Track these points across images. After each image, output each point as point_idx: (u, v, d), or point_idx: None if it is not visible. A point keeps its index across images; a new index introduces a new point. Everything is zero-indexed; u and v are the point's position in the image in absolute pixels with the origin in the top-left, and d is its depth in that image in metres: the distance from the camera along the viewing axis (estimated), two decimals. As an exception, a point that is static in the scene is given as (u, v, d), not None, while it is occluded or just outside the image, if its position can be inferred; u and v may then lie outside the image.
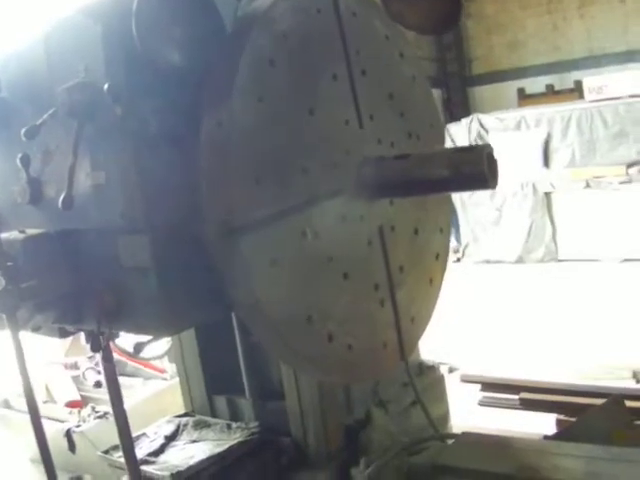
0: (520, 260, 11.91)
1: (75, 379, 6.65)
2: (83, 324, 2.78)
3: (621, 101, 10.88)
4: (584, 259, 11.15)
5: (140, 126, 2.38)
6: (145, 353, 4.87)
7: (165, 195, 2.42)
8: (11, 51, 2.86)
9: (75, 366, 6.76)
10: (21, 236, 2.64)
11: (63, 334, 3.05)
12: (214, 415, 3.83)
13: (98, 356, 6.81)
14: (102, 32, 2.40)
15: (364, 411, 3.67)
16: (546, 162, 11.47)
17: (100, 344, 2.68)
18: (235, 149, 2.37)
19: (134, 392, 6.07)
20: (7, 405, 6.47)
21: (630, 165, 10.69)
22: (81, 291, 2.65)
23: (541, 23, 15.28)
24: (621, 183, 10.75)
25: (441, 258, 3.35)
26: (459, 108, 15.69)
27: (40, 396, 5.99)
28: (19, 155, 2.63)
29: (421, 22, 3.00)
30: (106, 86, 2.31)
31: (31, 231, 2.69)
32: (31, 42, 2.74)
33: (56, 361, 6.82)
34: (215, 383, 3.84)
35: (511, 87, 15.57)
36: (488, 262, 12.18)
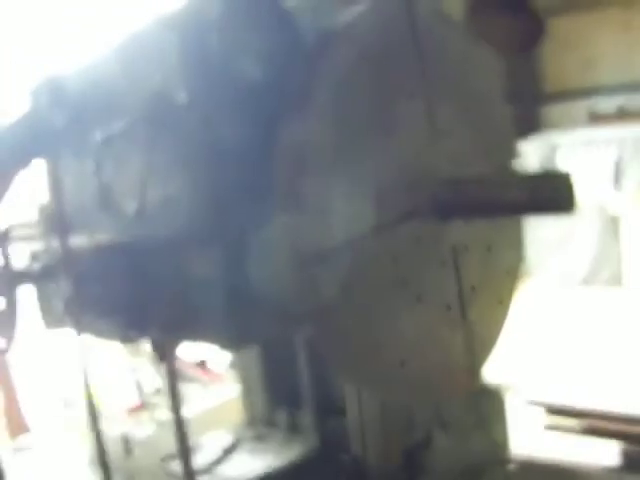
0: (585, 282, 11.69)
1: (136, 383, 6.70)
2: (147, 332, 2.78)
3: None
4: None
5: (215, 137, 2.35)
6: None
7: (237, 208, 2.37)
8: (88, 61, 2.89)
9: (137, 370, 6.81)
10: (90, 242, 2.66)
11: (127, 340, 3.06)
12: (274, 427, 3.79)
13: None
14: (179, 42, 2.37)
15: (425, 432, 3.61)
16: (616, 184, 11.26)
17: (164, 353, 2.68)
18: (310, 177, 2.33)
19: (193, 399, 6.09)
20: (67, 404, 6.55)
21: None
22: (147, 299, 2.64)
23: (616, 41, 14.98)
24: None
25: (512, 275, 3.25)
26: (529, 125, 15.48)
27: (99, 398, 6.04)
28: (91, 161, 2.65)
29: (502, 41, 2.94)
30: (182, 95, 2.30)
31: (100, 237, 2.70)
32: (107, 52, 2.76)
33: (118, 363, 6.88)
34: (276, 395, 3.81)
35: (582, 106, 15.31)
36: (553, 283, 11.97)
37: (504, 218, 3.10)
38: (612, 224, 11.42)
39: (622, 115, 14.23)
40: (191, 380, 6.70)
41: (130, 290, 2.62)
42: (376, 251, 2.51)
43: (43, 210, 3.06)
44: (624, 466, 4.81)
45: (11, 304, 2.64)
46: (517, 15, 2.85)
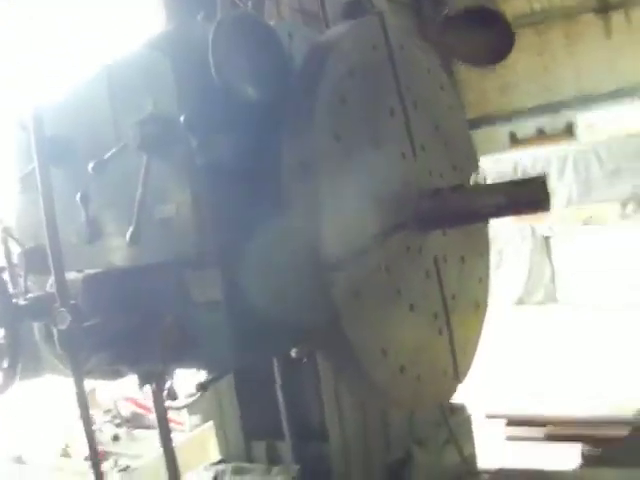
0: (520, 302, 11.93)
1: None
2: (140, 364, 2.73)
3: (614, 138, 11.07)
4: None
5: (214, 158, 2.36)
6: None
7: (238, 229, 2.38)
8: (70, 89, 2.85)
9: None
10: (81, 275, 2.60)
11: (116, 376, 2.99)
12: (250, 461, 3.74)
13: (114, 410, 6.69)
14: (172, 64, 2.38)
15: (402, 450, 3.63)
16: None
17: (165, 384, 2.64)
18: (320, 189, 2.38)
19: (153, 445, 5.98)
20: (20, 461, 6.35)
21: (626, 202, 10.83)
22: (142, 329, 2.59)
23: (532, 65, 15.40)
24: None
25: (483, 282, 3.37)
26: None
27: (58, 450, 5.90)
28: (78, 194, 2.60)
29: (473, 54, 3.05)
30: (182, 117, 2.30)
31: (90, 271, 2.66)
32: (92, 79, 2.71)
33: (73, 415, 6.72)
34: (252, 428, 3.76)
35: (503, 131, 15.70)
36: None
37: (472, 227, 3.18)
38: (543, 243, 11.70)
39: (542, 137, 14.65)
40: (148, 425, 6.56)
41: (125, 320, 2.58)
42: (375, 262, 2.57)
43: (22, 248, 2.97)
44: (583, 465, 4.99)
45: (14, 338, 2.54)
46: (488, 28, 2.96)
